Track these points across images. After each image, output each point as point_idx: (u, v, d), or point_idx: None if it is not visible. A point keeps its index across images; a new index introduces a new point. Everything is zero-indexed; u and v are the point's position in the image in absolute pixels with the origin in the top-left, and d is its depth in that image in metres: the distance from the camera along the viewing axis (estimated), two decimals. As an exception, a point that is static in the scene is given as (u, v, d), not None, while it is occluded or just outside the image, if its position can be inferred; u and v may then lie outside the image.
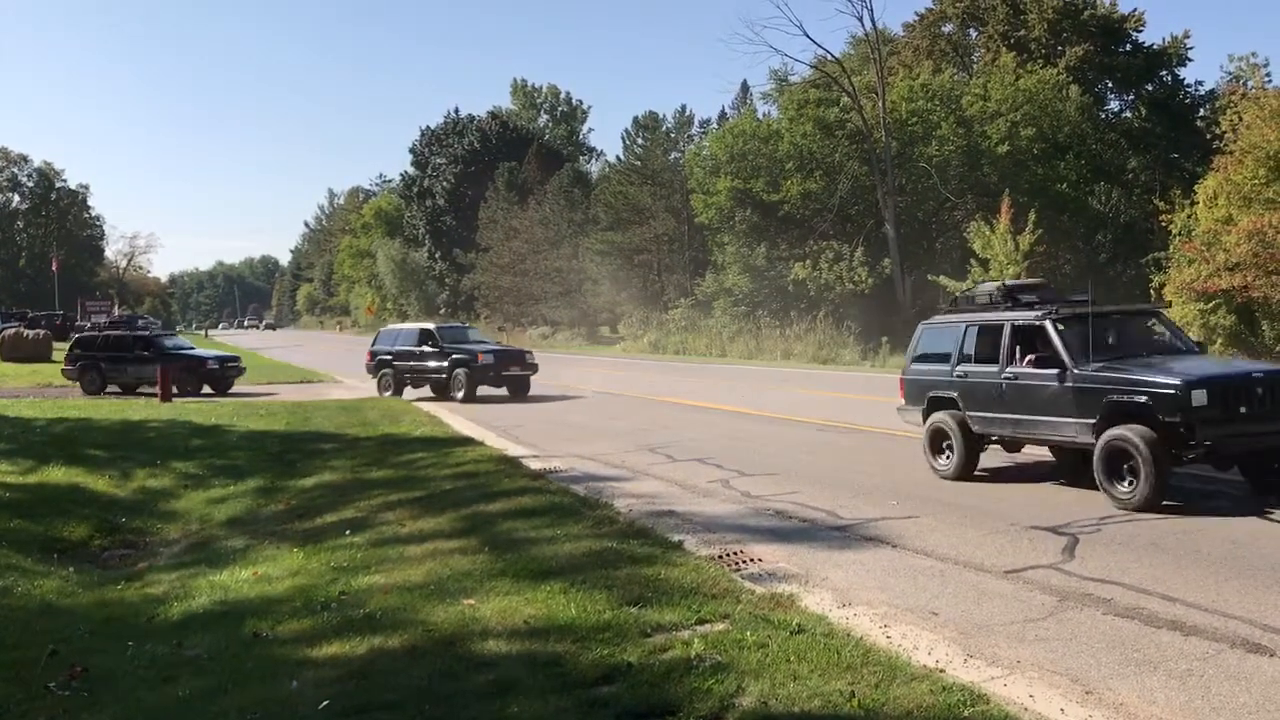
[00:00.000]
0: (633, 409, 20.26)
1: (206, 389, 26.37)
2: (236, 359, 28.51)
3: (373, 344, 25.68)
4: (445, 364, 22.74)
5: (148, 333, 29.62)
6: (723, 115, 66.23)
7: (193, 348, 30.06)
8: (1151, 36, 50.76)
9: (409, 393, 24.03)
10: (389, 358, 24.23)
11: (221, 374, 26.91)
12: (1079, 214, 40.95)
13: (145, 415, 19.18)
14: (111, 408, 20.92)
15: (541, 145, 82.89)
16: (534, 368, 23.44)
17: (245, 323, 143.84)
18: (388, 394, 23.69)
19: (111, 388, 26.90)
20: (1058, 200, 40.31)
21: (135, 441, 15.87)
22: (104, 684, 5.85)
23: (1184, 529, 8.18)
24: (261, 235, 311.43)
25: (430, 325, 24.92)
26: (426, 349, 23.25)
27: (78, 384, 26.90)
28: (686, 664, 5.09)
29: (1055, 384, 9.76)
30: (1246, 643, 5.44)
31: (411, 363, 23.71)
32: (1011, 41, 46.29)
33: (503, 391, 23.44)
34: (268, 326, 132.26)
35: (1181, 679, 4.97)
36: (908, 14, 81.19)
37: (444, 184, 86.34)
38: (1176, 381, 8.84)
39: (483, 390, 23.00)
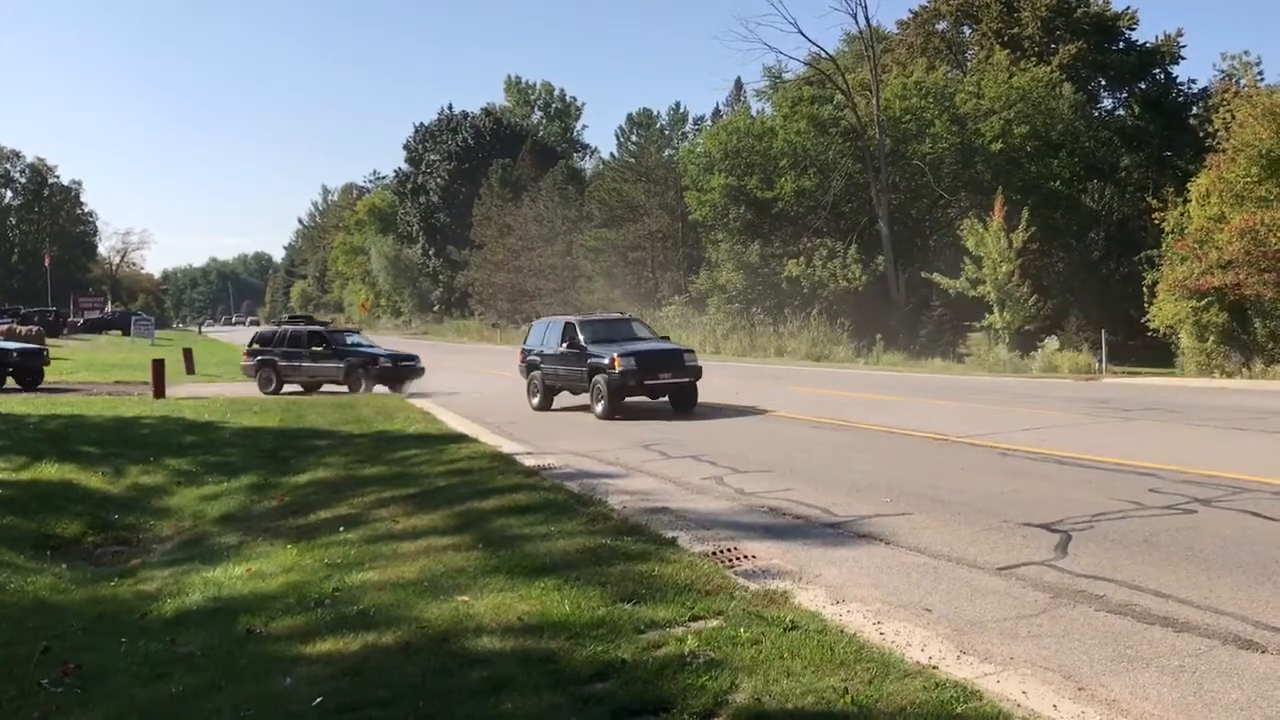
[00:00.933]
0: (626, 406, 20.23)
1: (381, 387, 24.48)
2: (414, 358, 25.92)
3: (525, 339, 21.83)
4: (584, 369, 18.55)
5: (323, 329, 26.91)
6: (717, 112, 66.44)
7: (372, 345, 27.63)
8: (1144, 34, 50.98)
9: (564, 400, 20.21)
10: (537, 358, 20.22)
11: (395, 372, 24.77)
12: (1072, 211, 41.09)
13: (138, 412, 19.14)
14: (104, 404, 20.86)
15: (535, 142, 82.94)
16: (695, 371, 18.46)
17: (233, 319, 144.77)
18: (535, 401, 20.02)
19: (292, 387, 25.34)
20: (1051, 198, 40.44)
21: (128, 438, 15.83)
22: (97, 681, 5.85)
23: (1176, 526, 8.20)
24: (255, 232, 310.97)
25: (575, 318, 20.60)
26: (567, 349, 19.20)
27: (255, 383, 25.59)
28: (680, 661, 5.09)
29: None
30: (1238, 639, 5.46)
31: (555, 365, 19.66)
32: (1005, 39, 46.40)
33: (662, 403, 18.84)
34: (252, 323, 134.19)
35: (1174, 675, 4.98)
36: (902, 11, 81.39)
37: (438, 181, 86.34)
38: None
39: (638, 401, 18.64)
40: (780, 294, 42.54)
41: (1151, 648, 5.39)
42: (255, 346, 26.45)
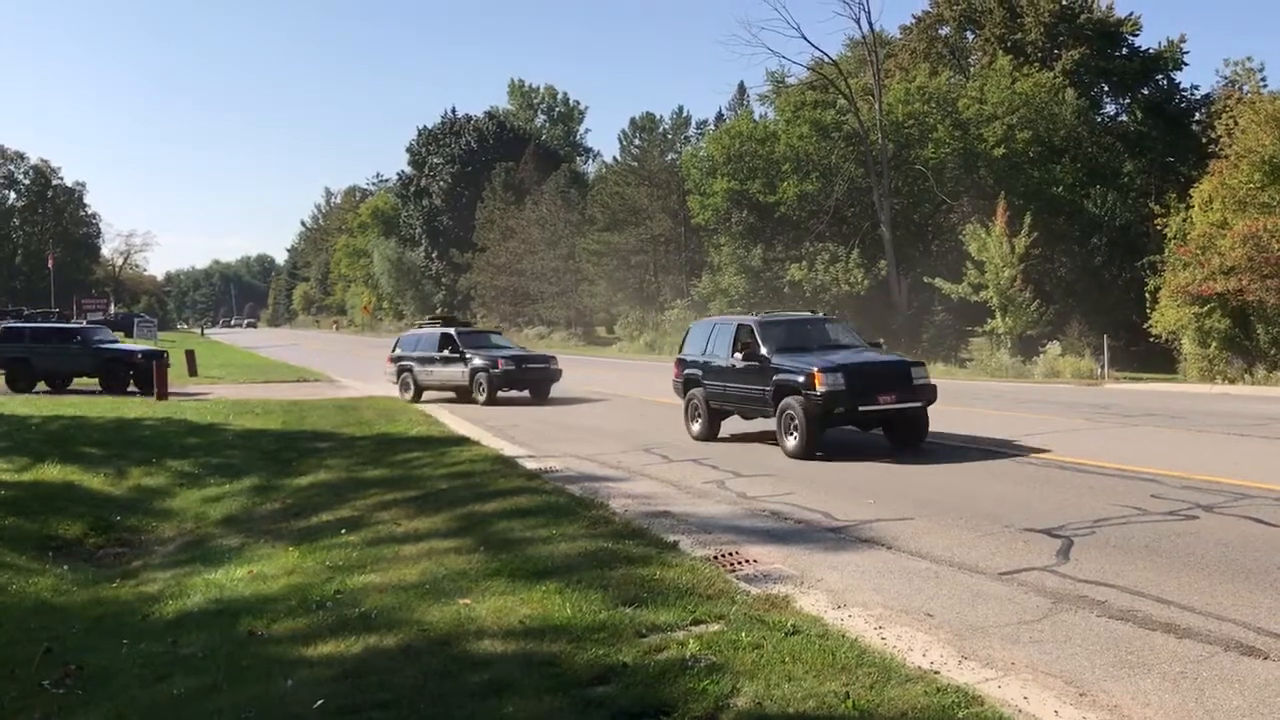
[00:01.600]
0: (629, 409, 20.25)
1: (518, 395, 22.43)
2: (547, 359, 23.37)
3: (681, 347, 17.05)
4: (768, 388, 13.73)
5: (454, 330, 23.94)
6: (719, 117, 66.57)
7: (511, 347, 25.13)
8: (1147, 40, 51.04)
9: (733, 426, 15.67)
10: (699, 372, 15.59)
11: (520, 375, 22.24)
12: (1075, 217, 41.08)
13: (140, 413, 19.15)
14: (107, 405, 20.88)
15: (538, 145, 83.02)
16: (927, 393, 13.49)
17: (232, 322, 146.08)
18: (695, 428, 15.50)
19: (444, 394, 23.28)
20: (1053, 203, 40.45)
21: (130, 440, 15.85)
22: (98, 682, 5.85)
23: (1178, 532, 8.20)
24: (258, 234, 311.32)
25: (752, 318, 15.60)
26: (741, 361, 14.41)
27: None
28: (682, 664, 5.09)
29: None
30: (1240, 645, 5.46)
31: (725, 382, 14.94)
32: (1008, 45, 46.40)
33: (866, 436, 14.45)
34: (250, 325, 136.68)
35: (1175, 681, 4.98)
36: (905, 17, 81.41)
37: (441, 184, 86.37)
38: None
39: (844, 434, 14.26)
40: (782, 298, 42.57)
41: (1153, 653, 5.38)
42: (397, 351, 24.42)
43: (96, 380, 26.09)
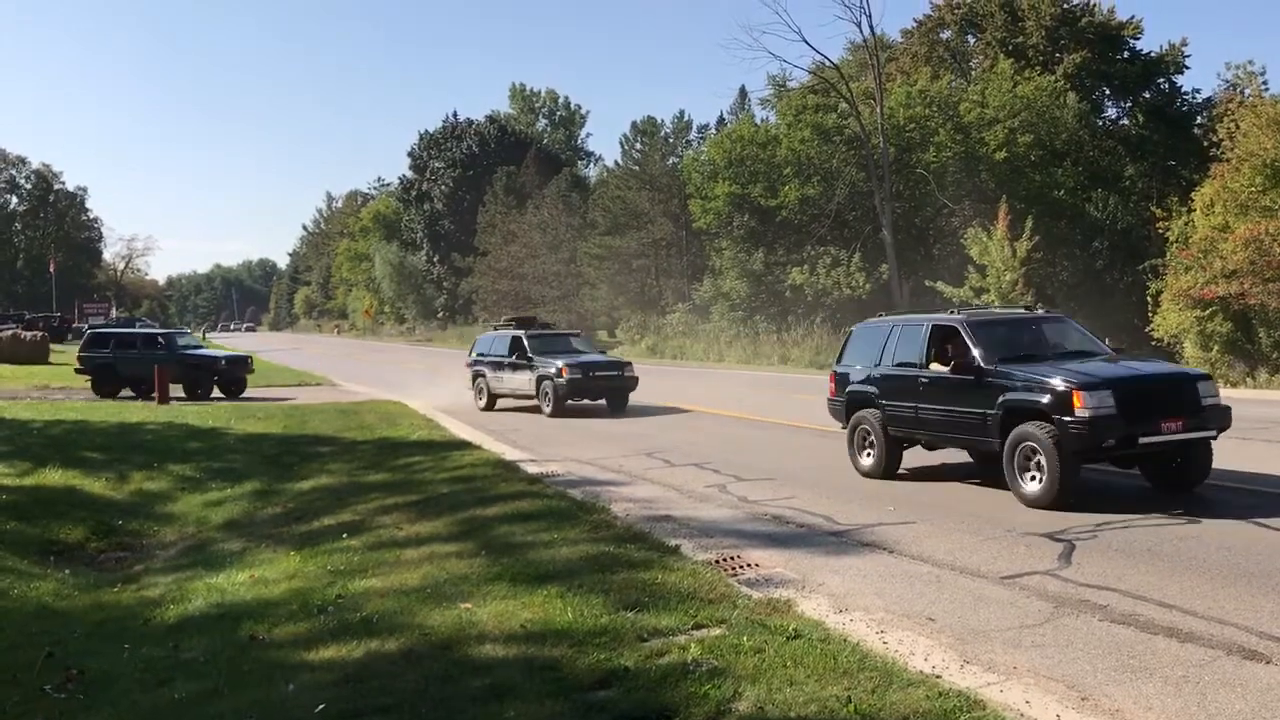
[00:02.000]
0: (630, 412, 20.23)
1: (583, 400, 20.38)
2: (621, 365, 21.39)
3: (840, 356, 12.98)
4: (990, 411, 9.99)
5: (524, 332, 21.71)
6: (721, 120, 66.61)
7: (588, 351, 22.87)
8: (1149, 44, 50.99)
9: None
10: (871, 389, 11.80)
11: (588, 383, 20.02)
12: (1076, 221, 41.03)
13: (142, 418, 19.16)
14: (109, 410, 20.90)
15: (540, 150, 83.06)
16: (1217, 419, 9.78)
17: (232, 326, 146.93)
18: (866, 461, 11.81)
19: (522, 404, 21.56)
20: (1055, 207, 40.41)
21: (132, 444, 15.86)
22: (100, 686, 5.85)
23: (1180, 535, 8.19)
24: (259, 238, 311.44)
25: (953, 317, 11.39)
26: (943, 373, 10.78)
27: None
28: (683, 668, 5.09)
29: None
30: (1242, 649, 5.45)
31: (918, 403, 11.07)
32: (1009, 48, 46.38)
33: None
34: (249, 329, 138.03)
35: (1177, 685, 4.97)
36: (906, 20, 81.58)
37: (442, 188, 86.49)
38: None
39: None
40: (784, 302, 42.57)
41: (1155, 658, 5.38)
42: (474, 355, 22.72)
43: (181, 386, 25.82)
